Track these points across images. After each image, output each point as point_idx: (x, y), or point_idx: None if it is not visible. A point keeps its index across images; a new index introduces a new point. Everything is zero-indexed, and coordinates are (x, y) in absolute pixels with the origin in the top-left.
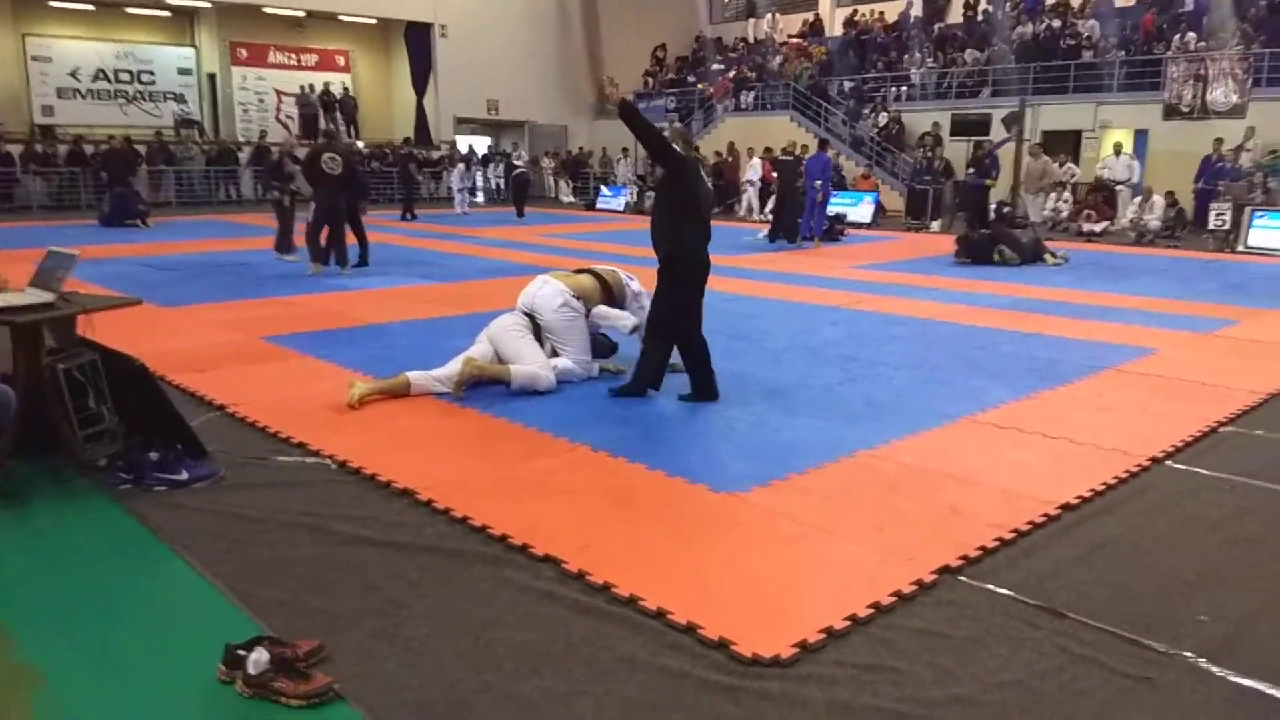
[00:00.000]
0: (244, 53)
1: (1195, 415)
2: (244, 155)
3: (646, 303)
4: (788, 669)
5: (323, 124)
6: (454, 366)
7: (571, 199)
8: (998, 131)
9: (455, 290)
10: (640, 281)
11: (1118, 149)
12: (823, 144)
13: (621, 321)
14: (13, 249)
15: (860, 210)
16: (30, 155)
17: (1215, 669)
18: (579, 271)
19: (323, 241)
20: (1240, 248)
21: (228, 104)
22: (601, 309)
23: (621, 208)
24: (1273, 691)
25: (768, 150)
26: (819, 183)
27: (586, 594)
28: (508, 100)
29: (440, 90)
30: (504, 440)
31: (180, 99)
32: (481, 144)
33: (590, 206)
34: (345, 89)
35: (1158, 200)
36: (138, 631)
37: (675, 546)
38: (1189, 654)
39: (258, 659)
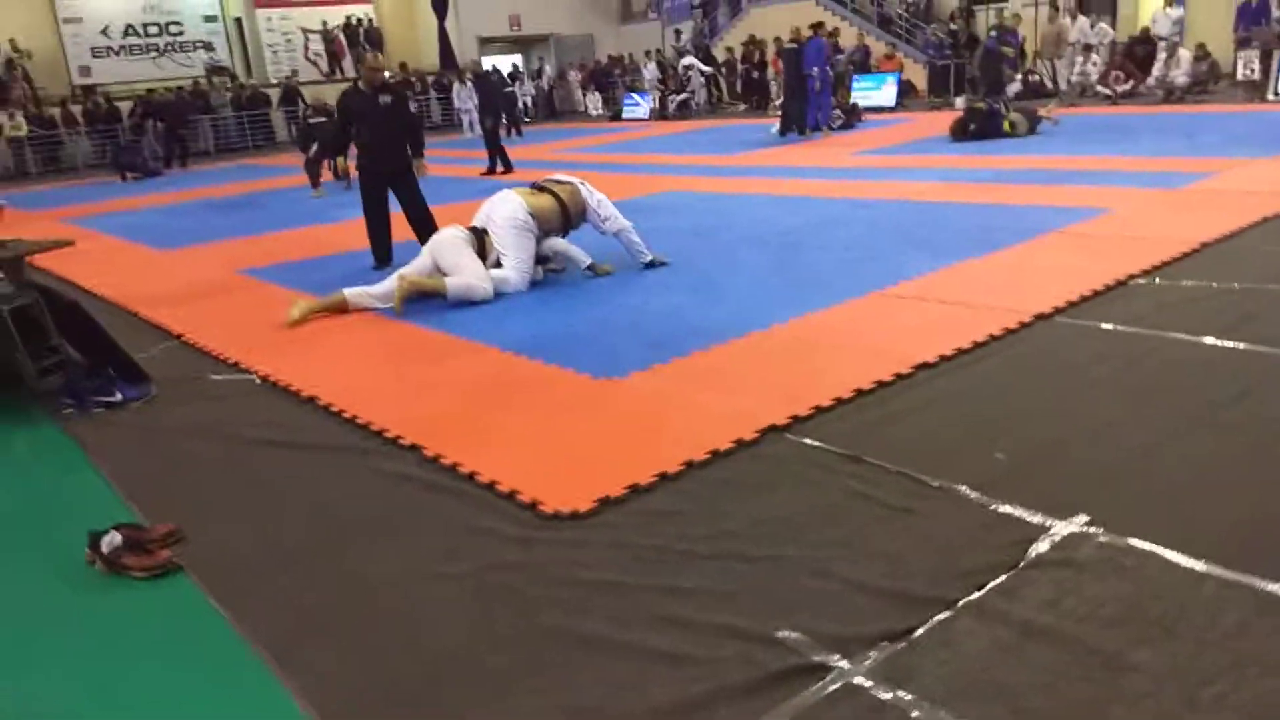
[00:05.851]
0: None
1: (1112, 270)
2: (275, 97)
3: (608, 211)
4: (583, 520)
5: (349, 58)
6: (390, 284)
7: (600, 110)
8: None
9: (445, 212)
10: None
11: (1168, 1)
12: (816, 27)
13: (580, 262)
14: (42, 210)
15: (883, 93)
16: (69, 118)
17: (980, 498)
18: (540, 190)
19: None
20: (1270, 96)
21: (256, 47)
22: (562, 245)
23: (646, 115)
24: (1027, 516)
25: (777, 40)
26: (815, 70)
27: (437, 474)
28: (530, 13)
29: (461, 10)
30: (422, 349)
31: (209, 47)
32: (507, 63)
33: (617, 117)
34: (370, 20)
35: (1184, 54)
36: (33, 526)
37: (530, 428)
38: (962, 487)
39: (110, 540)
